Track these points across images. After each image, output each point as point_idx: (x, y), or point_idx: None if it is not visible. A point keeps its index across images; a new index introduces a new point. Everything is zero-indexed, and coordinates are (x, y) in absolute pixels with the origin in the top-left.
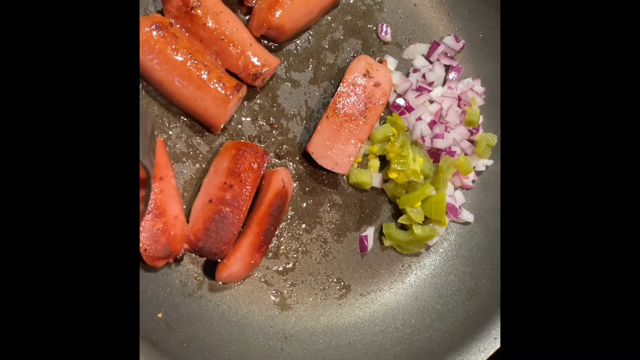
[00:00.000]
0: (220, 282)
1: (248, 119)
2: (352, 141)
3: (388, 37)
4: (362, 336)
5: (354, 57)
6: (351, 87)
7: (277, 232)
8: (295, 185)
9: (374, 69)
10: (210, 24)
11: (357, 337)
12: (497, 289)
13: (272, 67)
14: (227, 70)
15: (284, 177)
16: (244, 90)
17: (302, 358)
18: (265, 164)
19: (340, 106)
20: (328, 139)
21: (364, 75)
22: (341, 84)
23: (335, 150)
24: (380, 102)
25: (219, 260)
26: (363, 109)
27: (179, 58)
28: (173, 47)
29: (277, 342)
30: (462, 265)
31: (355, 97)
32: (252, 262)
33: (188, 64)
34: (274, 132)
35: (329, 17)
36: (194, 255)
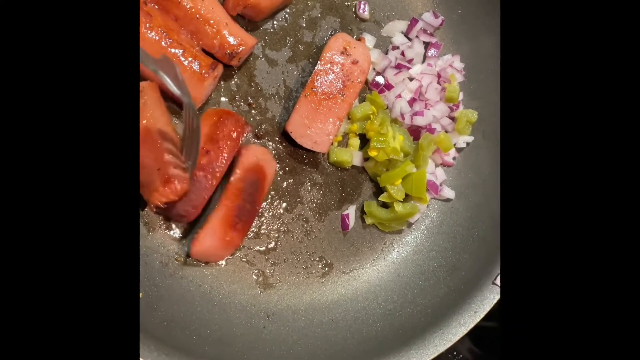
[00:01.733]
0: (202, 262)
1: (225, 99)
2: (331, 119)
3: (366, 15)
4: (345, 313)
5: (331, 35)
6: (329, 65)
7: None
8: (275, 164)
9: (351, 46)
10: (185, 3)
11: (339, 314)
12: (478, 264)
13: (248, 46)
14: (203, 50)
15: (258, 154)
16: (220, 69)
17: (284, 335)
18: (245, 135)
19: (318, 84)
20: (307, 117)
21: (342, 53)
22: (319, 62)
23: (314, 129)
24: (359, 80)
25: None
26: (341, 87)
27: (154, 37)
28: (147, 25)
29: (259, 321)
30: (444, 242)
31: (333, 75)
32: (228, 239)
33: (162, 43)
34: (252, 112)
35: None
36: (175, 235)
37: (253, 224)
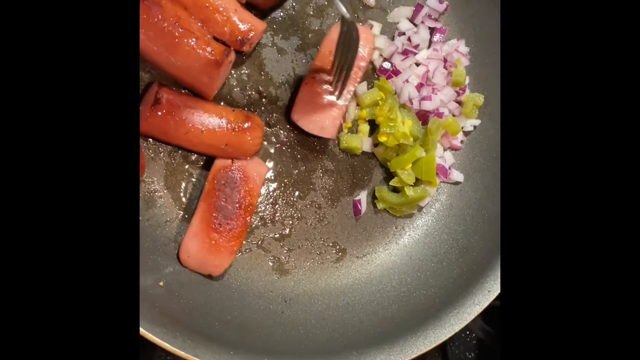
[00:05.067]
0: (195, 271)
1: (237, 88)
2: (336, 103)
3: (372, 1)
4: (360, 296)
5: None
6: (327, 54)
7: (270, 203)
8: (287, 152)
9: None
10: None
11: (355, 298)
12: (489, 244)
13: (258, 31)
14: (215, 38)
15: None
16: (232, 55)
17: (302, 320)
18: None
19: (318, 73)
20: (311, 103)
21: None
22: (318, 52)
23: (320, 114)
24: (362, 64)
25: None
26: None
27: (167, 27)
28: (159, 17)
29: (277, 306)
30: (454, 224)
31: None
32: (213, 242)
33: (176, 32)
34: (262, 100)
35: None
36: None
37: (267, 212)
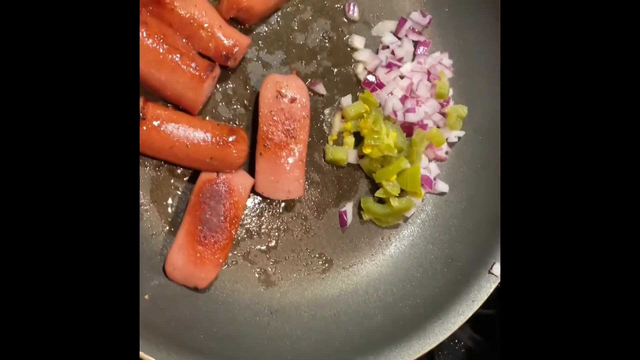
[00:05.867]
0: (180, 284)
1: (222, 103)
2: (294, 163)
3: (356, 16)
4: (346, 307)
5: (323, 37)
6: (269, 116)
7: (256, 215)
8: None
9: (283, 86)
10: (178, 9)
11: (341, 309)
12: (474, 254)
13: (243, 46)
14: (200, 53)
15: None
16: (217, 70)
17: (288, 331)
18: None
19: (268, 139)
20: (271, 173)
21: (277, 97)
22: (259, 117)
23: (282, 180)
24: (304, 114)
25: None
26: (291, 129)
27: (151, 44)
28: (144, 33)
29: (263, 317)
30: (440, 234)
31: (278, 124)
32: (198, 255)
33: (160, 49)
34: (248, 114)
35: None
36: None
37: (253, 225)
